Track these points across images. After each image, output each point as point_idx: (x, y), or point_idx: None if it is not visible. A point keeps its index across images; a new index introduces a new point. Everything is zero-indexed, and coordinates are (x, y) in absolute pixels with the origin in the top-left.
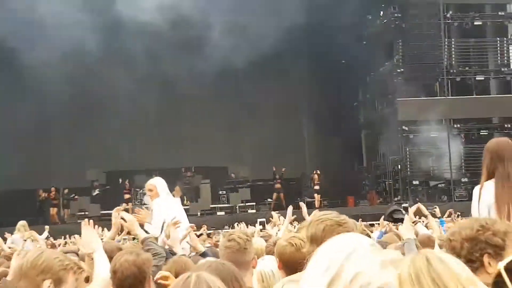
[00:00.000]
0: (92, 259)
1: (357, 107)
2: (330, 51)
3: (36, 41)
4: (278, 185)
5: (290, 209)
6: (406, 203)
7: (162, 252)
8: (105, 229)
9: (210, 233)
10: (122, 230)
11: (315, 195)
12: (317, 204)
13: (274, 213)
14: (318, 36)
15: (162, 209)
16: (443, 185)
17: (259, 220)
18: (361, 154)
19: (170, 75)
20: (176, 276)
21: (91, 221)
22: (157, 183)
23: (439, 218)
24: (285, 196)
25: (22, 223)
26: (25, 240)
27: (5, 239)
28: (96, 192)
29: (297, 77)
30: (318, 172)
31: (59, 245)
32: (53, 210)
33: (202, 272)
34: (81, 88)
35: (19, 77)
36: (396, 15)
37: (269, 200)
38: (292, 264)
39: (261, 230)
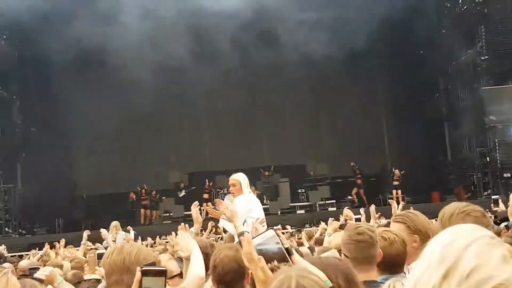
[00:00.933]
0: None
1: (439, 98)
2: (408, 41)
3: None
4: (359, 181)
5: (373, 207)
6: (496, 195)
7: None
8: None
9: (292, 231)
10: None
11: (394, 191)
12: (395, 200)
13: (346, 209)
14: (395, 27)
15: (244, 206)
16: None
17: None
18: (445, 147)
19: (250, 72)
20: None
21: (187, 225)
22: (241, 178)
23: None
24: (365, 192)
25: (114, 223)
26: (114, 241)
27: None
28: (183, 193)
29: (375, 71)
30: (398, 168)
31: (147, 246)
32: (143, 211)
33: (303, 274)
34: (165, 87)
35: (106, 77)
36: (476, 0)
37: (349, 197)
38: (387, 260)
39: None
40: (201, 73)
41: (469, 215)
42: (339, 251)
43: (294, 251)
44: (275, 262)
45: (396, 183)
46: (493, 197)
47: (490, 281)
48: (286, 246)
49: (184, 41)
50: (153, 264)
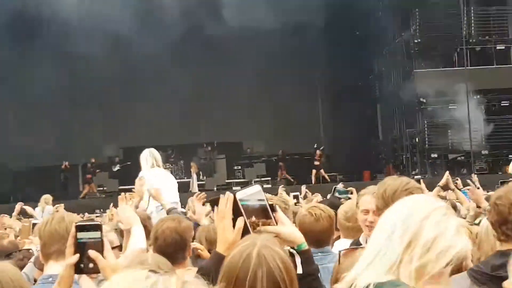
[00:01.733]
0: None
1: (373, 80)
2: (344, 22)
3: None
4: (316, 162)
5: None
6: (418, 175)
7: (189, 222)
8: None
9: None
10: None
11: (313, 171)
12: (313, 180)
13: (281, 188)
14: (332, 7)
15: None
16: (462, 158)
17: (292, 194)
18: (377, 127)
19: (191, 45)
20: (208, 244)
21: (127, 194)
22: (141, 156)
23: (460, 189)
24: (301, 171)
25: (45, 197)
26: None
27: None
28: (117, 167)
29: (313, 50)
30: (321, 149)
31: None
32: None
33: (267, 244)
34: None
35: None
36: None
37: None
38: (312, 235)
39: (295, 204)
40: (145, 45)
41: (412, 193)
42: None
43: (278, 208)
44: (253, 218)
45: (316, 163)
46: (415, 177)
47: (450, 250)
48: (270, 202)
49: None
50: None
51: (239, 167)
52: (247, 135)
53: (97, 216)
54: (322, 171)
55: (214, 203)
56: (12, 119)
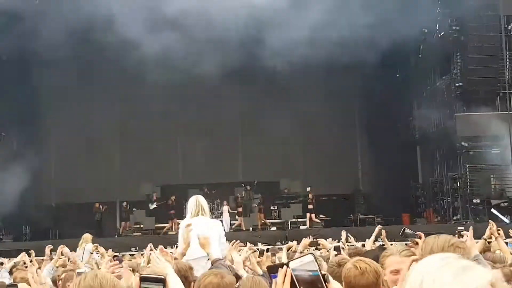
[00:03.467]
0: None
1: (413, 122)
2: (385, 64)
3: None
4: (310, 205)
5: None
6: (461, 226)
7: (233, 278)
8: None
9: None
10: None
11: (308, 214)
12: (308, 223)
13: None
14: (373, 50)
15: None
16: (505, 204)
17: (333, 244)
18: (417, 170)
19: (228, 81)
20: None
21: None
22: (188, 203)
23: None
24: (338, 212)
25: (85, 236)
26: (91, 253)
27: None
28: (154, 205)
29: (351, 91)
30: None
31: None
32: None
33: None
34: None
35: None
36: (454, 27)
37: (321, 216)
38: None
39: (336, 255)
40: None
41: (458, 247)
42: None
43: (331, 279)
44: None
45: (310, 206)
46: (458, 228)
47: None
48: (323, 273)
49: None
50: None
51: (275, 207)
52: (284, 174)
53: (131, 255)
54: (313, 215)
55: (271, 270)
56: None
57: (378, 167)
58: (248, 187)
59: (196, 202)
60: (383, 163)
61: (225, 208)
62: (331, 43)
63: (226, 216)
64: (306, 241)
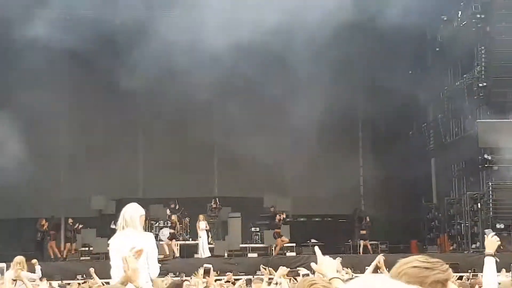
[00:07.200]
0: None
1: (427, 129)
2: (395, 58)
3: None
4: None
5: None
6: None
7: None
8: None
9: (237, 279)
10: None
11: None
12: (275, 251)
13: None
14: (380, 40)
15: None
16: None
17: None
18: (431, 187)
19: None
20: None
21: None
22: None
23: None
24: (334, 236)
25: (18, 259)
26: (15, 280)
27: None
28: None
29: (353, 88)
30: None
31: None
32: (51, 244)
33: None
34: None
35: None
36: (478, 16)
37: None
38: None
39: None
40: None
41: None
42: None
43: None
44: None
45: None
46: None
47: None
48: None
49: None
50: None
51: (257, 229)
52: (269, 189)
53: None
54: (283, 237)
55: None
56: None
57: (383, 182)
58: (214, 204)
59: (122, 214)
60: (390, 178)
61: (202, 224)
62: (333, 33)
63: (204, 236)
64: (283, 270)
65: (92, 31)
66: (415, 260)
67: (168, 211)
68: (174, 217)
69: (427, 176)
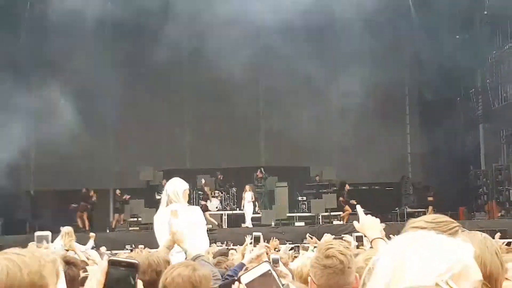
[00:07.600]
0: None
1: (475, 95)
2: (442, 24)
3: None
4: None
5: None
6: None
7: (217, 273)
8: None
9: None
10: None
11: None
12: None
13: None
14: (427, 4)
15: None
16: None
17: (355, 234)
18: (479, 154)
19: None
20: None
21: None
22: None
23: None
24: (381, 204)
25: (66, 229)
26: (67, 250)
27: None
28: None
29: (399, 56)
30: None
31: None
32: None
33: None
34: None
35: None
36: None
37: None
38: None
39: (357, 247)
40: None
41: None
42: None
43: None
44: None
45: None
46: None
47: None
48: (283, 283)
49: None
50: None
51: (304, 198)
52: (315, 159)
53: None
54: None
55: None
56: None
57: (431, 150)
58: (259, 174)
59: (165, 190)
60: (438, 145)
61: (248, 195)
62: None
63: (247, 208)
64: (328, 238)
65: (138, 3)
66: (421, 221)
67: (203, 181)
68: (206, 188)
69: (475, 142)
